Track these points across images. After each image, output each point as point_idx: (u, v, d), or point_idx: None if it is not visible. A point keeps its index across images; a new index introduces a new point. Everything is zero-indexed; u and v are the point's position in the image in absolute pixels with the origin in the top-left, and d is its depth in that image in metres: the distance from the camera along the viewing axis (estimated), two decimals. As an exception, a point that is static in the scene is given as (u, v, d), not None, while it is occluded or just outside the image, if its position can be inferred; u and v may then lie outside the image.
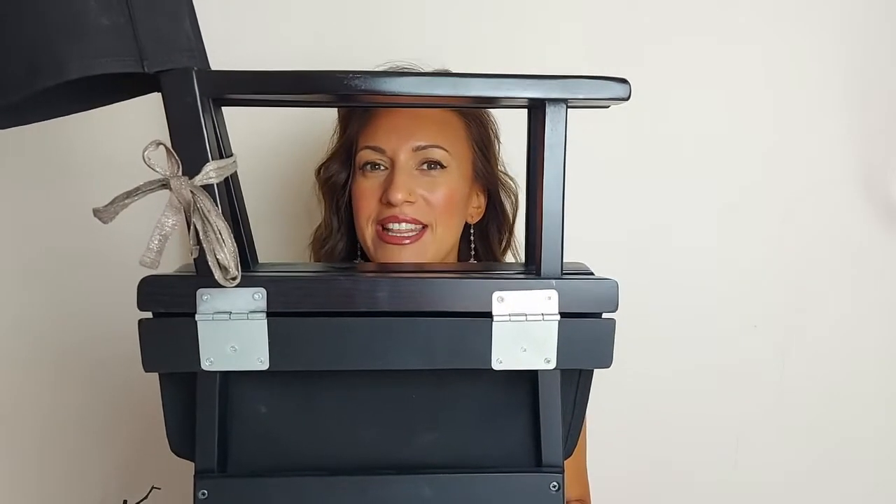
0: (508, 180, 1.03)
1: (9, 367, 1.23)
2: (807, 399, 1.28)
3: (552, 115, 0.65)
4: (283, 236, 1.21)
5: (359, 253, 1.00)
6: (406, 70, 0.99)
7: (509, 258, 1.06)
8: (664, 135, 1.18)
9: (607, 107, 0.71)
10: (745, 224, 1.25)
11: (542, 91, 0.65)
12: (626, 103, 0.66)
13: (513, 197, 1.04)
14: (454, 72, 0.68)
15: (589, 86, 0.65)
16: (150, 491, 1.01)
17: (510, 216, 1.03)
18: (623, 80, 0.66)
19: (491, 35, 1.20)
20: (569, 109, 0.65)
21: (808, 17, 1.21)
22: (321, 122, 1.07)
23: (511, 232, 1.04)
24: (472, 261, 1.03)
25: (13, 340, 1.22)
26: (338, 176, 0.98)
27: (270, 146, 1.18)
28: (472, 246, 1.02)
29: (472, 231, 1.01)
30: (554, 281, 0.66)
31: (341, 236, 1.00)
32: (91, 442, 1.23)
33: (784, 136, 1.23)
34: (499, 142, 1.02)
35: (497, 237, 1.03)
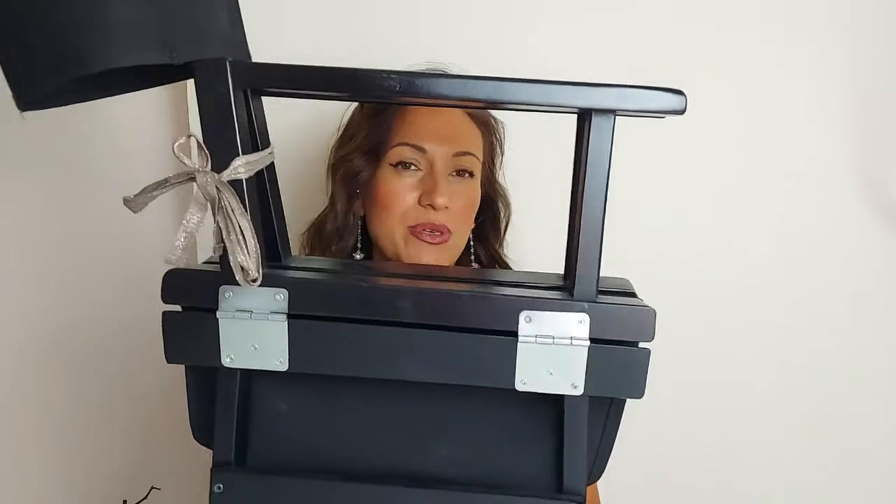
0: (502, 187, 1.04)
1: (8, 368, 1.25)
2: (806, 400, 1.25)
3: (598, 125, 0.61)
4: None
5: (359, 247, 0.98)
6: (439, 72, 0.96)
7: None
8: (662, 135, 1.12)
9: (662, 118, 0.66)
10: (744, 224, 1.22)
11: (589, 100, 0.61)
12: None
13: (506, 203, 1.04)
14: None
15: (640, 97, 0.61)
16: (149, 491, 1.02)
17: (503, 223, 1.04)
18: (678, 92, 0.61)
19: (509, 38, 1.17)
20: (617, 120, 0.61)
21: (808, 15, 1.17)
22: (319, 114, 1.05)
23: (504, 234, 1.05)
24: (473, 265, 1.01)
25: (12, 342, 1.24)
26: (363, 172, 0.95)
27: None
28: (472, 250, 1.01)
29: (470, 235, 1.00)
30: (587, 304, 0.62)
31: (351, 231, 0.98)
32: (91, 442, 1.25)
33: (783, 135, 1.19)
34: (502, 151, 1.03)
35: (494, 239, 1.03)
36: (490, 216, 1.02)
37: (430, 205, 0.91)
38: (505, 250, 1.05)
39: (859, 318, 1.23)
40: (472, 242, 1.01)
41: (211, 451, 0.71)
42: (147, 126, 1.09)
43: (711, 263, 1.22)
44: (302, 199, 1.09)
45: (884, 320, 1.24)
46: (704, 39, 1.17)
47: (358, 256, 0.99)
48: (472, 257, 1.01)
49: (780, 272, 1.22)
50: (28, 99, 0.60)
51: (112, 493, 1.21)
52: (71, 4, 0.56)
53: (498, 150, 1.02)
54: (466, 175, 0.94)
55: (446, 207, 0.91)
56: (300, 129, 1.13)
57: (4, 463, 1.27)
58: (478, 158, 0.96)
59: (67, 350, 1.24)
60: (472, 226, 0.99)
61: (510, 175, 1.06)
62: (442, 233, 0.92)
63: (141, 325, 1.10)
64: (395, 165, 0.93)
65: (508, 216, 1.04)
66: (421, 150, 0.92)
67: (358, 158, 0.95)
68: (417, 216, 0.92)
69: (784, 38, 1.18)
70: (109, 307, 1.21)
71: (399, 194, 0.92)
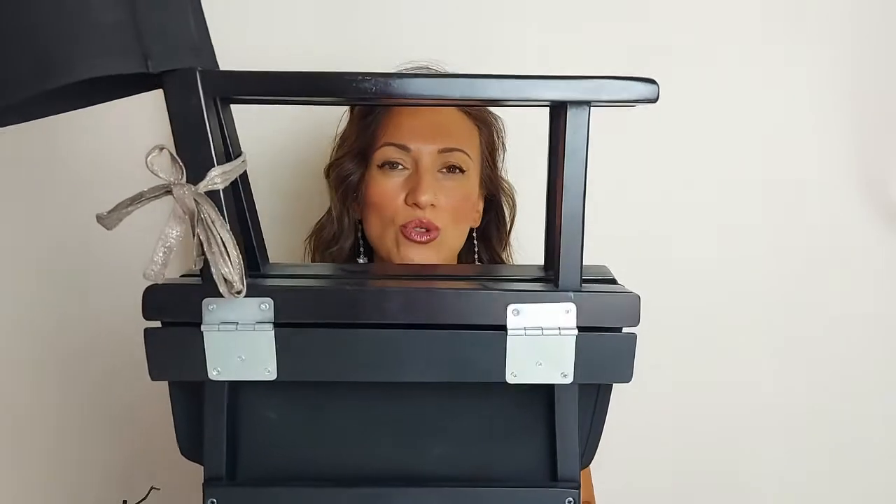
0: (507, 185, 1.03)
1: (9, 369, 1.24)
2: (805, 399, 1.27)
3: (573, 117, 0.62)
4: (277, 235, 1.18)
5: (361, 250, 0.98)
6: (418, 72, 0.96)
7: (504, 260, 1.05)
8: (662, 134, 1.15)
9: (633, 107, 0.67)
10: (745, 224, 1.23)
11: (563, 92, 0.61)
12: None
13: (510, 202, 1.03)
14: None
15: (613, 87, 0.61)
16: (149, 491, 1.01)
17: (508, 222, 1.02)
18: (650, 81, 0.62)
19: (492, 36, 1.18)
20: (592, 111, 0.62)
21: (809, 16, 1.19)
22: (321, 120, 1.04)
23: (509, 236, 1.03)
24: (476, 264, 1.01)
25: (16, 342, 1.23)
26: (353, 175, 0.95)
27: (268, 143, 1.15)
28: (476, 250, 1.00)
29: (473, 235, 1.00)
30: (572, 293, 0.63)
31: (349, 234, 0.98)
32: (91, 442, 1.24)
33: (784, 135, 1.21)
34: (504, 147, 1.01)
35: (497, 241, 1.02)
36: (494, 215, 1.01)
37: (415, 203, 0.91)
38: (511, 250, 1.04)
39: (858, 316, 1.25)
40: (475, 243, 1.00)
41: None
42: (136, 133, 1.07)
43: (710, 261, 1.22)
44: (305, 205, 1.07)
45: (882, 319, 1.25)
46: (704, 39, 1.18)
47: (361, 261, 0.99)
48: (476, 258, 1.00)
49: (779, 271, 1.24)
50: None
51: (112, 493, 1.20)
52: (50, 7, 0.54)
53: (499, 146, 1.01)
54: (457, 171, 0.93)
55: (432, 205, 0.90)
56: (304, 136, 1.12)
57: (5, 464, 1.25)
58: (468, 154, 0.94)
59: (67, 350, 1.23)
60: (472, 224, 0.98)
61: (517, 174, 1.05)
62: (429, 230, 0.91)
63: (140, 325, 1.08)
64: (382, 166, 0.93)
65: (513, 214, 1.03)
66: (405, 148, 0.92)
67: (348, 162, 0.96)
68: (405, 216, 0.91)
69: (784, 38, 1.19)
70: (109, 308, 1.19)
71: (387, 195, 0.92)
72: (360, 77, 0.60)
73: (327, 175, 0.99)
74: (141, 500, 0.99)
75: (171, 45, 0.59)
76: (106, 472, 1.24)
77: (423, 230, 0.92)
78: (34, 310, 1.23)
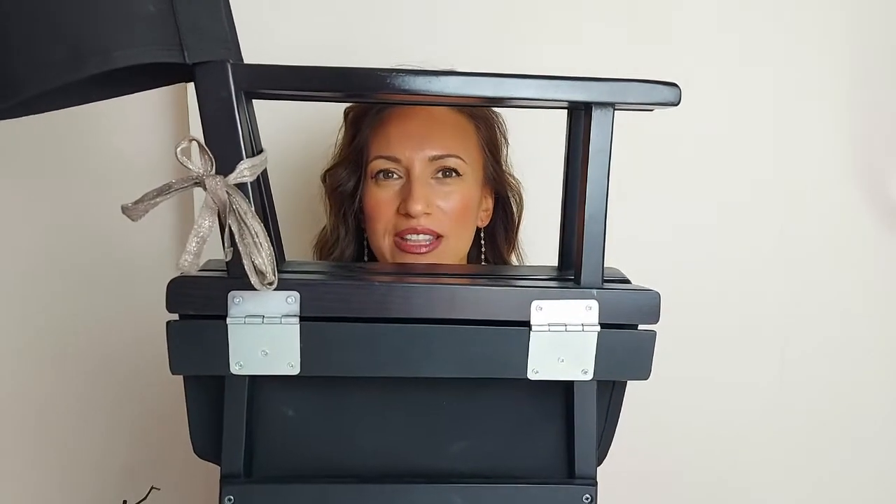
0: (513, 181, 1.01)
1: (8, 367, 1.22)
2: (806, 399, 1.28)
3: (599, 118, 0.63)
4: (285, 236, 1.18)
5: (366, 258, 0.98)
6: (439, 70, 0.96)
7: (513, 259, 1.04)
8: (665, 134, 1.16)
9: (652, 110, 0.69)
10: (746, 224, 1.24)
11: (590, 94, 0.63)
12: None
13: (517, 197, 1.02)
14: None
15: (638, 89, 0.63)
16: (149, 491, 1.01)
17: (516, 218, 1.01)
18: (673, 84, 0.64)
19: (495, 36, 1.17)
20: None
21: (810, 18, 1.21)
22: (325, 119, 1.04)
23: (516, 234, 1.02)
24: (483, 263, 1.01)
25: (13, 339, 1.21)
26: (346, 184, 0.94)
27: (275, 142, 1.14)
28: (483, 249, 1.00)
29: (482, 234, 0.99)
30: (595, 291, 0.64)
31: (349, 243, 0.97)
32: (91, 442, 1.23)
33: (784, 136, 1.23)
34: (506, 142, 1.00)
35: (504, 238, 1.01)
36: (501, 213, 1.00)
37: (406, 213, 0.89)
38: (522, 251, 1.02)
39: (858, 317, 1.25)
40: (483, 242, 0.99)
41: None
42: (147, 129, 1.06)
43: (709, 262, 1.22)
44: (308, 207, 1.07)
45: (882, 319, 1.26)
46: (704, 38, 1.18)
47: None
48: (483, 258, 0.99)
49: (780, 272, 1.24)
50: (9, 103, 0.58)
51: (112, 493, 1.18)
52: None
53: (501, 142, 0.99)
54: (452, 175, 0.91)
55: (426, 213, 0.89)
56: (311, 136, 1.11)
57: (5, 462, 1.23)
58: (462, 159, 0.92)
59: (69, 352, 1.21)
60: (479, 224, 0.97)
61: (521, 171, 1.03)
62: (426, 234, 0.90)
63: (142, 326, 1.06)
64: (376, 176, 0.92)
65: (521, 211, 1.01)
66: (395, 159, 0.91)
67: (341, 170, 0.95)
68: (398, 224, 0.90)
69: (784, 38, 1.20)
70: (110, 309, 1.18)
71: (381, 206, 0.91)
72: (394, 73, 0.61)
73: (322, 184, 0.99)
74: (141, 501, 0.97)
75: (205, 38, 0.60)
76: (106, 472, 1.22)
77: (423, 239, 0.90)
78: (37, 312, 1.21)
